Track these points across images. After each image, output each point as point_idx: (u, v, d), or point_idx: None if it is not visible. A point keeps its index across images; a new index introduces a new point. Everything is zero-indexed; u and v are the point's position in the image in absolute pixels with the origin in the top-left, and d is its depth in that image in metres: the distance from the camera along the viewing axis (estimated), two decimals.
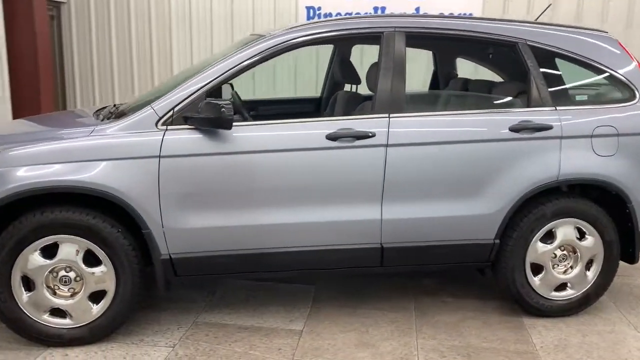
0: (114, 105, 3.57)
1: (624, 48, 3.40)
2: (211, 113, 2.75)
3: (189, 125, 2.86)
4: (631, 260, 3.42)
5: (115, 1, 8.13)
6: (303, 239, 3.02)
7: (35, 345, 2.89)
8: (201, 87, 2.91)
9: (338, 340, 3.06)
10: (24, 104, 6.89)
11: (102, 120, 3.09)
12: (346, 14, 7.82)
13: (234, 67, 2.97)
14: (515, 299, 3.34)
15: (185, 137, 2.85)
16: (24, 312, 2.84)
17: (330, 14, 7.83)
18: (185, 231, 2.89)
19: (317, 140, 2.95)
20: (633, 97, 3.31)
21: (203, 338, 3.05)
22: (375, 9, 7.79)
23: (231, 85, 4.42)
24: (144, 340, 3.01)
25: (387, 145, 3.00)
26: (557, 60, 3.39)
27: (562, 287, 3.35)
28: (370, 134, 2.98)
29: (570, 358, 2.92)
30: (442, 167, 3.07)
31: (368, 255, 3.12)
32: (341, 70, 4.21)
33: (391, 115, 3.04)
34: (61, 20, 8.29)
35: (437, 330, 3.20)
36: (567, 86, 3.37)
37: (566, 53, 3.30)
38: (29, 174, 2.72)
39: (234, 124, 2.92)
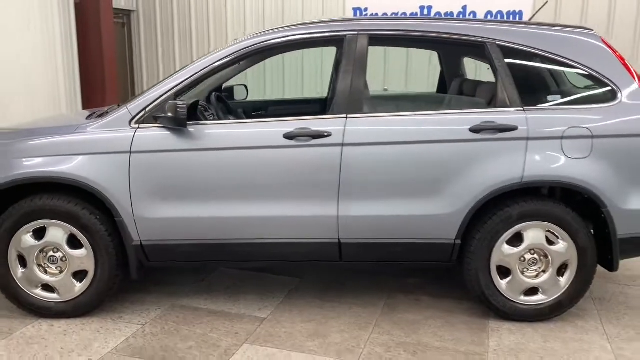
0: (118, 105, 3.93)
1: (609, 46, 3.26)
2: (170, 113, 3.01)
3: (158, 124, 3.14)
4: (610, 267, 3.28)
5: (178, 8, 8.71)
6: (263, 231, 3.20)
7: (28, 316, 3.31)
8: (171, 89, 3.18)
9: (295, 329, 3.22)
10: (92, 102, 7.65)
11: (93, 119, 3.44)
12: (392, 14, 7.85)
13: (204, 69, 3.22)
14: (480, 300, 3.32)
15: (153, 135, 3.14)
16: (19, 286, 3.26)
17: (376, 15, 7.90)
18: (153, 221, 3.18)
19: (275, 139, 3.12)
20: (614, 97, 3.17)
21: (173, 319, 3.32)
22: (422, 8, 7.78)
23: (245, 86, 4.71)
24: (122, 318, 3.34)
25: (342, 145, 3.11)
26: (533, 60, 3.32)
27: (533, 291, 3.28)
28: (325, 134, 3.10)
29: None
30: (398, 167, 3.12)
31: (326, 250, 3.24)
32: None
33: (349, 115, 3.15)
34: (131, 26, 9.00)
35: (395, 326, 3.26)
36: (539, 86, 3.28)
37: (540, 52, 3.22)
38: (21, 165, 3.13)
39: (203, 122, 3.20)
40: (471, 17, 7.61)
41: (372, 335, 3.15)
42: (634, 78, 3.20)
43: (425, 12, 7.75)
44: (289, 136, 3.11)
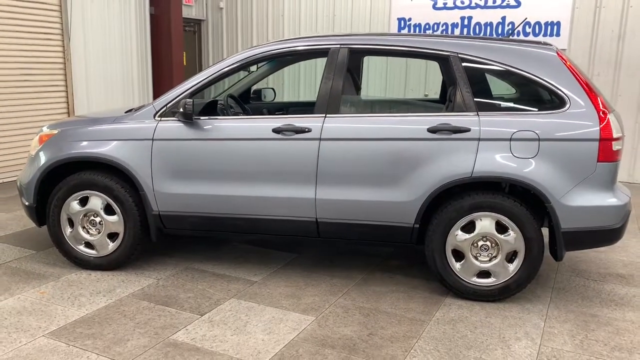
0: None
1: (563, 59, 3.65)
2: (181, 109, 3.77)
3: (175, 118, 3.91)
4: (556, 257, 3.67)
5: (242, 18, 9.61)
6: (254, 208, 3.88)
7: (73, 266, 4.19)
8: (187, 90, 3.94)
9: (277, 291, 3.87)
10: None
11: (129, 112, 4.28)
12: (434, 24, 8.31)
13: (214, 74, 3.95)
14: (438, 279, 3.81)
15: (170, 126, 3.91)
16: (68, 243, 4.15)
17: (419, 25, 8.39)
18: (168, 195, 3.95)
19: (265, 133, 3.80)
20: (562, 105, 3.57)
21: (183, 277, 4.08)
22: (463, 18, 8.18)
23: (273, 89, 5.43)
24: (143, 273, 4.14)
25: (320, 139, 3.73)
26: (489, 70, 3.76)
27: (485, 274, 3.73)
28: (306, 129, 3.74)
29: (453, 330, 3.37)
30: (366, 159, 3.69)
31: (306, 227, 3.87)
32: None
33: (327, 114, 3.76)
34: (201, 34, 10.02)
35: (361, 295, 3.83)
36: (493, 93, 3.72)
37: (496, 63, 3.66)
38: (72, 147, 4.01)
39: (210, 117, 3.93)
40: (509, 27, 7.92)
41: (338, 300, 3.74)
42: (584, 89, 3.57)
43: (466, 22, 8.15)
44: (276, 130, 3.78)
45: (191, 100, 3.76)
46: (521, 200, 3.66)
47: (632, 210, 3.80)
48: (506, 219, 3.62)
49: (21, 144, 7.00)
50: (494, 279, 3.71)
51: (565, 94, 3.57)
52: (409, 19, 8.45)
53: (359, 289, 3.93)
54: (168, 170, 3.92)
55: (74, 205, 4.08)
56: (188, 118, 3.80)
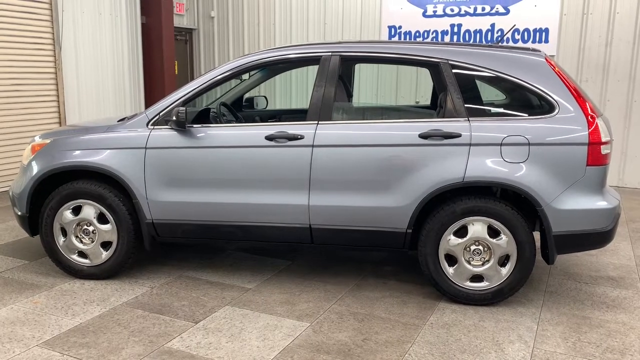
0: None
1: (551, 65, 3.70)
2: (174, 117, 3.79)
3: (168, 126, 3.92)
4: (547, 260, 3.71)
5: (233, 27, 9.64)
6: (248, 216, 3.89)
7: (67, 275, 4.18)
8: (179, 98, 3.96)
9: (271, 298, 3.88)
10: None
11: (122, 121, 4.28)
12: (425, 32, 8.38)
13: (205, 83, 3.97)
14: (431, 283, 3.83)
15: (163, 134, 3.92)
16: (61, 252, 4.14)
17: (409, 32, 8.45)
18: (162, 203, 3.95)
19: (258, 140, 3.82)
20: (551, 110, 3.61)
21: (177, 285, 4.08)
22: (452, 26, 8.25)
23: (265, 97, 5.45)
24: (137, 281, 4.13)
25: (313, 146, 3.75)
26: (480, 76, 3.80)
27: (479, 278, 3.75)
28: (299, 136, 3.76)
29: (447, 334, 3.38)
30: (358, 165, 3.72)
31: (299, 233, 3.88)
32: None
33: (320, 121, 3.79)
34: (192, 43, 10.05)
35: (355, 301, 3.84)
36: (483, 99, 3.77)
37: (486, 70, 3.70)
38: (64, 156, 4.01)
39: (203, 125, 3.94)
40: (499, 34, 8.00)
41: (332, 306, 3.75)
42: (572, 94, 3.62)
43: (456, 29, 8.22)
44: (269, 138, 3.80)
45: (184, 109, 3.78)
46: (512, 205, 3.70)
47: (621, 213, 3.85)
48: (498, 223, 3.65)
49: (13, 154, 6.98)
50: (487, 283, 3.74)
51: (554, 99, 3.62)
52: (400, 27, 8.52)
53: (353, 295, 3.94)
54: (161, 179, 3.92)
55: (67, 214, 4.07)
56: (181, 126, 3.82)
